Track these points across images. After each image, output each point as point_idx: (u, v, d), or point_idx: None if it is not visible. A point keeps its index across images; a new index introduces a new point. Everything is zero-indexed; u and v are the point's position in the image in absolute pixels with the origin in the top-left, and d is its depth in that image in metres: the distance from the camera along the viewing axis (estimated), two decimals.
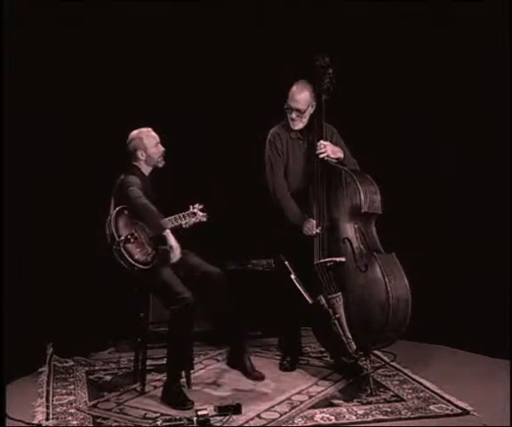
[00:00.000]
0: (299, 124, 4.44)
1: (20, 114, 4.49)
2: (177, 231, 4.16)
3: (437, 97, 5.02)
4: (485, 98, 4.79)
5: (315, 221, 4.28)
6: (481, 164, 4.85)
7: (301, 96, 4.38)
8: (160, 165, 4.28)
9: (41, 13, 4.67)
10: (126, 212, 4.02)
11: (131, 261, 3.92)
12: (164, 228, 3.99)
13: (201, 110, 5.22)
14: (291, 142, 4.47)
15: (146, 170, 4.27)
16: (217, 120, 5.29)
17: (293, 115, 4.40)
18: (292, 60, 4.83)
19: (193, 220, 4.30)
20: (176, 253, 3.97)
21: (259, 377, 4.37)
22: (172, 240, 3.97)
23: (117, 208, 4.01)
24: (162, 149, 4.27)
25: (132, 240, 3.94)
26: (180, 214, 4.24)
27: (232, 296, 4.33)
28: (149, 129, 4.29)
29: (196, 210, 4.32)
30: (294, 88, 4.40)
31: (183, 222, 4.24)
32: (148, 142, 4.23)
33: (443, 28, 4.92)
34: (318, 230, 4.27)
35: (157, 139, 4.27)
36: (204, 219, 4.34)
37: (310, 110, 4.42)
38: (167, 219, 4.15)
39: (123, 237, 3.92)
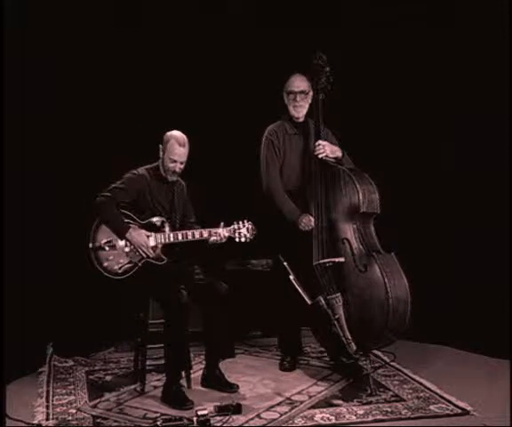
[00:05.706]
0: (303, 110, 4.44)
1: (19, 114, 4.51)
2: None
3: (438, 97, 5.03)
4: (485, 97, 4.80)
5: (312, 217, 4.27)
6: (481, 164, 4.85)
7: (302, 78, 4.42)
8: (170, 178, 4.09)
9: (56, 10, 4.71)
10: None
11: (98, 267, 3.99)
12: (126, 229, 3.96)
13: (200, 110, 5.22)
14: (288, 138, 4.47)
15: (163, 172, 4.13)
16: (216, 120, 5.29)
17: (298, 98, 4.39)
18: (292, 62, 4.84)
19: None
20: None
21: (233, 391, 4.13)
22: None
23: None
24: (178, 166, 4.05)
25: (106, 248, 3.99)
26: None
27: (225, 319, 4.14)
28: (180, 139, 4.05)
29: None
30: (292, 77, 4.44)
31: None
32: (169, 149, 4.05)
33: (443, 28, 4.93)
34: (313, 224, 4.26)
35: (181, 156, 4.04)
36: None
37: (311, 95, 4.42)
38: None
39: (97, 244, 3.98)
